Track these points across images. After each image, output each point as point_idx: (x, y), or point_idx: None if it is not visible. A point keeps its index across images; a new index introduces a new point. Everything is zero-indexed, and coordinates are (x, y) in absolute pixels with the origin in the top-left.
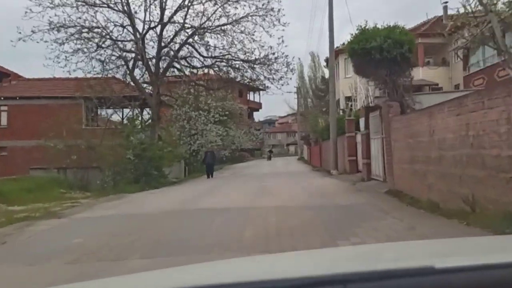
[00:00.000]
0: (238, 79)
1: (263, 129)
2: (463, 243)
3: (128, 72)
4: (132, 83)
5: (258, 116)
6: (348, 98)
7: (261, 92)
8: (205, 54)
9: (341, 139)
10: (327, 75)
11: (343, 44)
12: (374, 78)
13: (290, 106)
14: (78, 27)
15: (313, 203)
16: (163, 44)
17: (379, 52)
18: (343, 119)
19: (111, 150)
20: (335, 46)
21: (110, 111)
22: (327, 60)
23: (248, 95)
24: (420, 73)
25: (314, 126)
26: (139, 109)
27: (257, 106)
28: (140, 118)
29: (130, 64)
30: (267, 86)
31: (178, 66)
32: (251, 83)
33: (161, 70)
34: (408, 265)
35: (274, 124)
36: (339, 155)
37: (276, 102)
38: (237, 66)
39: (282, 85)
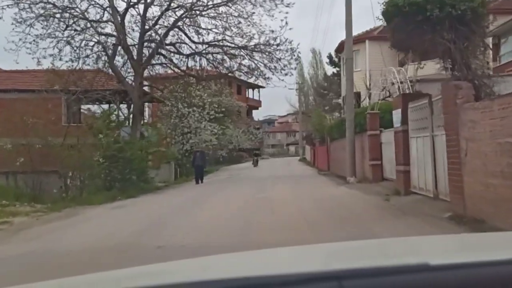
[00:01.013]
0: (234, 69)
1: (262, 128)
2: (458, 240)
3: (107, 60)
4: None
5: (257, 114)
6: (358, 94)
7: (261, 87)
8: (196, 39)
9: (360, 139)
10: (329, 73)
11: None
12: (425, 50)
13: (291, 104)
14: (44, 3)
15: (339, 235)
16: (147, 26)
17: (439, 7)
18: (362, 113)
19: (76, 151)
20: (340, 40)
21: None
22: (330, 57)
23: (247, 92)
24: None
25: (318, 125)
26: (125, 104)
27: (257, 104)
28: (117, 112)
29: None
30: (268, 77)
31: (164, 52)
32: (249, 73)
33: (144, 57)
34: (403, 261)
35: (273, 123)
36: (356, 158)
37: (276, 100)
38: (233, 52)
39: (286, 74)
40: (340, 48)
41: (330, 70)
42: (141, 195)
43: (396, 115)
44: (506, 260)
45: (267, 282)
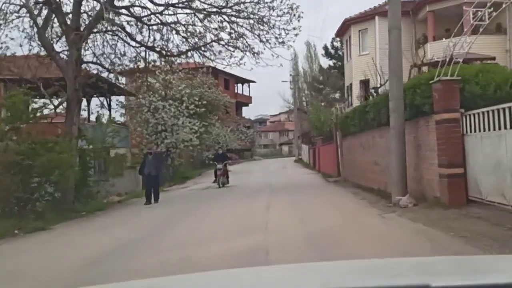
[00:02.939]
0: (209, 41)
1: (253, 127)
2: (458, 261)
3: (37, 29)
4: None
5: (248, 112)
6: (366, 83)
7: (251, 81)
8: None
9: (412, 130)
10: (325, 65)
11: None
12: None
13: (285, 99)
14: None
15: None
16: None
17: None
18: (419, 85)
19: None
20: (343, 18)
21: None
22: (325, 48)
23: (236, 87)
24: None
25: (317, 121)
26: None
27: (247, 100)
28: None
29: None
30: (258, 53)
31: (112, 16)
32: (230, 45)
33: (85, 23)
34: (404, 283)
35: (265, 123)
36: (408, 162)
37: (268, 98)
38: (208, 11)
39: (282, 43)
40: (342, 30)
41: (326, 63)
42: (63, 222)
43: None
44: (507, 284)
45: None
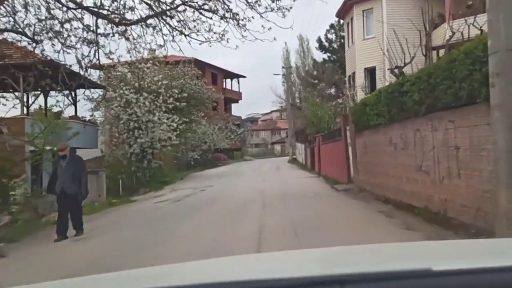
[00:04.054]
0: (178, 4)
1: (244, 126)
2: (461, 245)
3: None
4: None
5: (238, 109)
6: (371, 71)
7: (241, 76)
8: None
9: None
10: (319, 60)
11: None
12: None
13: (277, 94)
14: None
15: None
16: None
17: None
18: None
19: None
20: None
21: None
22: (319, 41)
23: (224, 82)
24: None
25: (314, 117)
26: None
27: (236, 96)
28: None
29: None
30: (244, 20)
31: None
32: (205, 9)
33: None
34: (406, 267)
35: (256, 121)
36: None
37: (259, 95)
38: None
39: (279, 10)
40: (343, 11)
41: (320, 57)
42: None
43: None
44: (509, 267)
45: (270, 285)
